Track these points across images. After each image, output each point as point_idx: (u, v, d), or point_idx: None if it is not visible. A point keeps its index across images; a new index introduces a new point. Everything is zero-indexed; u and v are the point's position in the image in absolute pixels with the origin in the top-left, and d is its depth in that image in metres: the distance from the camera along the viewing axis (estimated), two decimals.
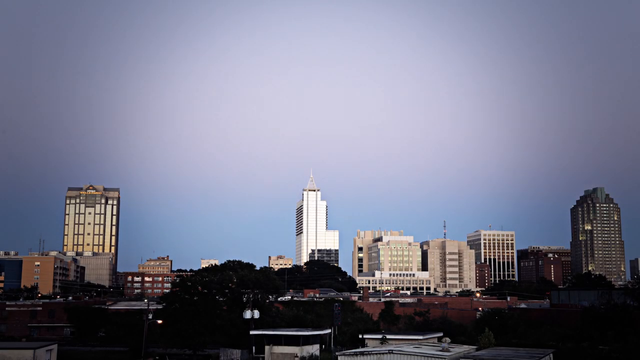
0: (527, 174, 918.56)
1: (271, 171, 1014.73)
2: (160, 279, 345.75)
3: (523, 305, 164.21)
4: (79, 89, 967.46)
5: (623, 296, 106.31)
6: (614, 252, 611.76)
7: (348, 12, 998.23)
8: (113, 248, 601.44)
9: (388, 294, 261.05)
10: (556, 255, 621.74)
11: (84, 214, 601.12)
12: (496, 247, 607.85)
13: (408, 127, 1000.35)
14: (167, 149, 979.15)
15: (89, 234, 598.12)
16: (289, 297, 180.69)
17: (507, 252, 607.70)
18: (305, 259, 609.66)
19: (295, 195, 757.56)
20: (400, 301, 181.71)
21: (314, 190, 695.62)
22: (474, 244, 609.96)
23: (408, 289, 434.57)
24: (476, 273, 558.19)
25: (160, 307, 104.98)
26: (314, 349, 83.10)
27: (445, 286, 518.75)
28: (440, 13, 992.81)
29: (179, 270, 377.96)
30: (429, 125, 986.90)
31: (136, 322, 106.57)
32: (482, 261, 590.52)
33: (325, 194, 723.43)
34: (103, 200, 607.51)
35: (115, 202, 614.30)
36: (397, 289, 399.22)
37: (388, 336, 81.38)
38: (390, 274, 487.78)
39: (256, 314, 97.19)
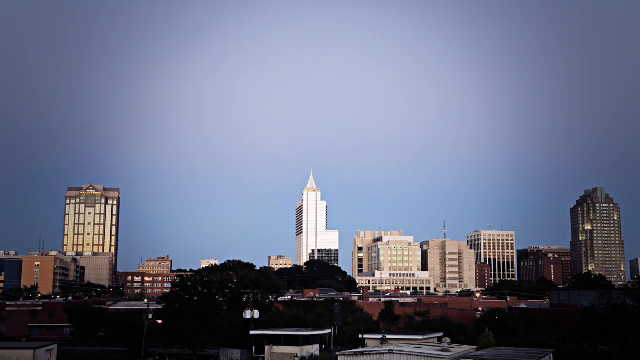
0: (527, 174, 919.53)
1: (271, 171, 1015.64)
2: (160, 279, 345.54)
3: (523, 305, 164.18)
4: (79, 89, 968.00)
5: (623, 296, 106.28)
6: (614, 252, 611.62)
7: (348, 13, 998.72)
8: (113, 248, 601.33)
9: (388, 294, 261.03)
10: (556, 255, 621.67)
11: (84, 214, 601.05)
12: (496, 247, 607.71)
13: (408, 128, 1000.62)
14: (167, 149, 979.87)
15: (89, 234, 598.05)
16: (289, 297, 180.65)
17: (507, 252, 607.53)
18: (305, 259, 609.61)
19: (295, 195, 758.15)
20: (400, 301, 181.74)
21: (314, 190, 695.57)
22: (474, 244, 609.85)
23: (408, 289, 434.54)
24: (476, 273, 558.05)
25: (160, 307, 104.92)
26: (314, 349, 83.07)
27: (445, 286, 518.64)
28: (444, 12, 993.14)
29: (179, 270, 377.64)
30: (429, 126, 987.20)
31: (136, 322, 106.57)
32: (482, 261, 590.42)
33: (325, 194, 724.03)
34: (103, 200, 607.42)
35: (115, 202, 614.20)
36: (397, 289, 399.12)
37: (388, 336, 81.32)
38: (390, 274, 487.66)
39: (256, 314, 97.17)
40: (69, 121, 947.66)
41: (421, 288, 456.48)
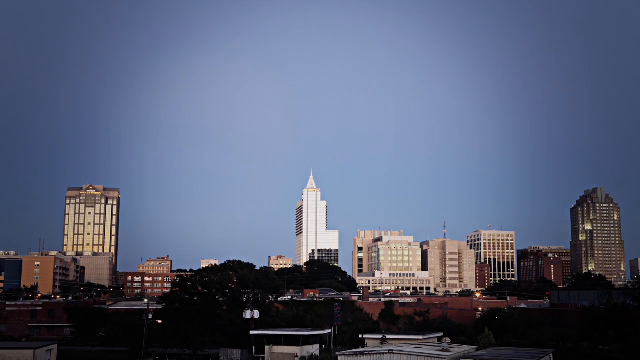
0: (527, 174, 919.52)
1: (271, 171, 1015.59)
2: (160, 279, 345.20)
3: (523, 305, 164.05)
4: (79, 89, 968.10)
5: (623, 296, 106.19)
6: (614, 252, 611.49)
7: (348, 13, 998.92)
8: (113, 248, 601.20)
9: (388, 294, 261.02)
10: (556, 255, 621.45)
11: (84, 214, 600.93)
12: (496, 247, 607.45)
13: (408, 127, 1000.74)
14: (167, 149, 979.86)
15: (89, 234, 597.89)
16: (289, 297, 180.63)
17: (507, 252, 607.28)
18: (305, 259, 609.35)
19: (295, 195, 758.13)
20: (400, 301, 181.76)
21: (314, 190, 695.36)
22: (474, 244, 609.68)
23: (408, 289, 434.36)
24: (476, 273, 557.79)
25: (160, 307, 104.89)
26: (314, 349, 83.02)
27: (445, 286, 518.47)
28: (443, 12, 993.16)
29: (179, 270, 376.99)
30: (429, 126, 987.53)
31: (136, 322, 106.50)
32: (482, 261, 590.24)
33: (325, 194, 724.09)
34: (103, 200, 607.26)
35: (115, 202, 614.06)
36: (397, 289, 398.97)
37: (388, 336, 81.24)
38: (390, 274, 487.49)
39: (256, 314, 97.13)
40: (69, 121, 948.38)
41: (421, 288, 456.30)
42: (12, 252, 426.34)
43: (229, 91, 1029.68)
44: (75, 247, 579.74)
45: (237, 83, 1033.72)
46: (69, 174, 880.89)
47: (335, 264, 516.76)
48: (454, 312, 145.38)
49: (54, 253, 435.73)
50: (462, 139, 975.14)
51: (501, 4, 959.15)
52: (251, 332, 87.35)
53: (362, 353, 62.60)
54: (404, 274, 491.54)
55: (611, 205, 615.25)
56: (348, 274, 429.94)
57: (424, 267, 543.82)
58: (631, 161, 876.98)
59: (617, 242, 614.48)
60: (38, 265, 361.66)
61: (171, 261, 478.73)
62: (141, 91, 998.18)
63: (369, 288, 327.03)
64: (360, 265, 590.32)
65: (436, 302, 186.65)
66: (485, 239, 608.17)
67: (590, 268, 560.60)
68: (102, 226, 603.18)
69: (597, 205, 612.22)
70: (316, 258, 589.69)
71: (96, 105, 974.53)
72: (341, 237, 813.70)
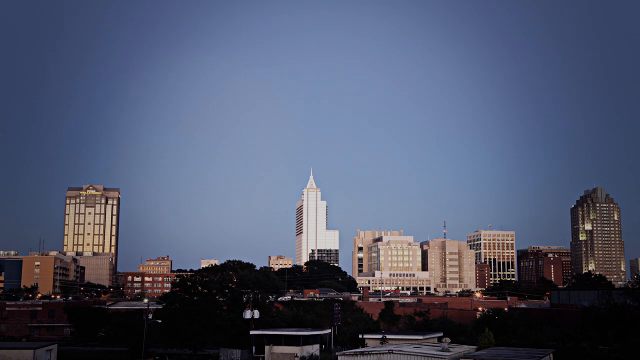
0: (527, 174, 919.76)
1: (271, 171, 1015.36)
2: (160, 279, 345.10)
3: (523, 305, 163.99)
4: (80, 89, 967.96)
5: (623, 296, 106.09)
6: (614, 252, 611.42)
7: (348, 12, 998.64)
8: (113, 248, 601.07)
9: (388, 294, 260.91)
10: (556, 255, 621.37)
11: (84, 214, 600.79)
12: (496, 247, 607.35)
13: (408, 127, 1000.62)
14: (167, 149, 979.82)
15: (89, 234, 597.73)
16: (289, 297, 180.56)
17: (507, 252, 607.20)
18: (305, 259, 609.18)
19: (295, 195, 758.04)
20: (400, 301, 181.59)
21: (314, 190, 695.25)
22: (474, 244, 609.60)
23: (408, 289, 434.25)
24: (476, 273, 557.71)
25: (160, 307, 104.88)
26: (314, 349, 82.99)
27: (445, 286, 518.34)
28: (444, 11, 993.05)
29: (179, 270, 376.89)
30: (429, 125, 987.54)
31: (136, 322, 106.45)
32: (482, 261, 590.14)
33: (325, 194, 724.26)
34: (103, 200, 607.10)
35: (115, 202, 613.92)
36: (397, 289, 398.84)
37: (388, 336, 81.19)
38: (390, 274, 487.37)
39: (256, 314, 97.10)
40: (69, 121, 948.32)
41: (421, 288, 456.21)
42: (12, 252, 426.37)
43: (229, 91, 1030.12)
44: (75, 247, 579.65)
45: (237, 83, 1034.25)
46: (69, 174, 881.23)
47: (335, 264, 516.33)
48: (454, 312, 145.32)
49: (54, 253, 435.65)
50: (463, 139, 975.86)
51: (503, 3, 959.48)
52: (251, 332, 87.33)
53: (362, 353, 62.58)
54: (404, 274, 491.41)
55: (611, 205, 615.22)
56: (348, 274, 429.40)
57: (424, 267, 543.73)
58: (631, 161, 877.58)
59: (617, 242, 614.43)
60: (38, 265, 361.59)
61: (171, 261, 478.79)
62: (141, 91, 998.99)
63: (369, 288, 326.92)
64: (360, 265, 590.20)
65: (436, 302, 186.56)
66: (485, 239, 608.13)
67: (590, 268, 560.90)
68: (102, 226, 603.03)
69: (597, 205, 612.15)
70: (316, 258, 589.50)
71: (96, 105, 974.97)
72: (341, 237, 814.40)
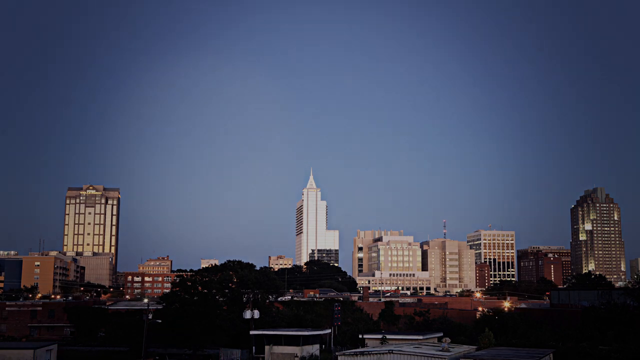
0: (527, 174, 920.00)
1: (271, 171, 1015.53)
2: (160, 279, 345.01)
3: (523, 305, 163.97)
4: (80, 89, 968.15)
5: (623, 296, 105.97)
6: (613, 252, 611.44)
7: (348, 12, 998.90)
8: (113, 248, 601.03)
9: (388, 294, 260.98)
10: (556, 255, 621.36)
11: (84, 214, 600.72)
12: (496, 247, 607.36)
13: (408, 127, 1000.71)
14: (166, 149, 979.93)
15: (89, 234, 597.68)
16: (289, 297, 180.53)
17: (507, 252, 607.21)
18: (305, 259, 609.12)
19: (295, 195, 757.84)
20: (400, 301, 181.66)
21: (314, 190, 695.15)
22: (474, 244, 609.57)
23: (408, 289, 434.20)
24: (476, 273, 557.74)
25: (160, 307, 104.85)
26: (314, 349, 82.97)
27: (445, 286, 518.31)
28: (445, 12, 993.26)
29: (179, 270, 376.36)
30: (429, 125, 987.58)
31: (136, 322, 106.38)
32: (482, 261, 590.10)
33: (325, 194, 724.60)
34: (103, 200, 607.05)
35: (115, 202, 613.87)
36: (397, 289, 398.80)
37: (388, 336, 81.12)
38: (390, 274, 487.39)
39: (256, 314, 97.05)
40: (69, 121, 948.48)
41: (421, 288, 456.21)
42: (12, 252, 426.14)
43: (229, 91, 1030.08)
44: (75, 247, 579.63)
45: (237, 83, 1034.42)
46: (69, 174, 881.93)
47: (335, 264, 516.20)
48: (454, 312, 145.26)
49: (54, 253, 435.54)
50: (463, 139, 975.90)
51: (503, 4, 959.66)
52: (251, 332, 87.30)
53: (362, 353, 62.55)
54: (404, 274, 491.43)
55: (611, 205, 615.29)
56: (348, 274, 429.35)
57: (424, 267, 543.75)
58: (631, 161, 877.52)
59: (617, 242, 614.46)
60: (38, 265, 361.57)
61: (171, 261, 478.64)
62: (141, 91, 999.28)
63: (369, 288, 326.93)
64: (360, 265, 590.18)
65: (436, 302, 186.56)
66: (485, 239, 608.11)
67: (590, 268, 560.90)
68: (102, 226, 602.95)
69: (597, 205, 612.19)
70: (316, 258, 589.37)
71: (96, 105, 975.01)
72: (341, 237, 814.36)
